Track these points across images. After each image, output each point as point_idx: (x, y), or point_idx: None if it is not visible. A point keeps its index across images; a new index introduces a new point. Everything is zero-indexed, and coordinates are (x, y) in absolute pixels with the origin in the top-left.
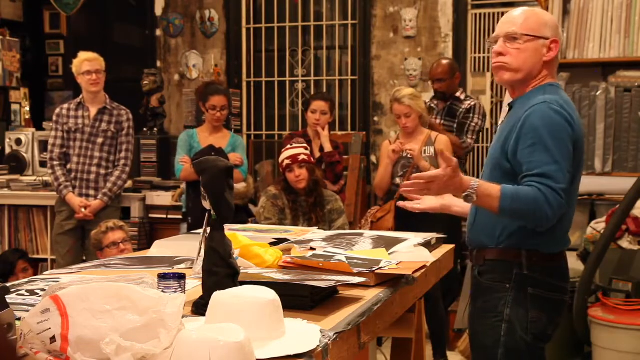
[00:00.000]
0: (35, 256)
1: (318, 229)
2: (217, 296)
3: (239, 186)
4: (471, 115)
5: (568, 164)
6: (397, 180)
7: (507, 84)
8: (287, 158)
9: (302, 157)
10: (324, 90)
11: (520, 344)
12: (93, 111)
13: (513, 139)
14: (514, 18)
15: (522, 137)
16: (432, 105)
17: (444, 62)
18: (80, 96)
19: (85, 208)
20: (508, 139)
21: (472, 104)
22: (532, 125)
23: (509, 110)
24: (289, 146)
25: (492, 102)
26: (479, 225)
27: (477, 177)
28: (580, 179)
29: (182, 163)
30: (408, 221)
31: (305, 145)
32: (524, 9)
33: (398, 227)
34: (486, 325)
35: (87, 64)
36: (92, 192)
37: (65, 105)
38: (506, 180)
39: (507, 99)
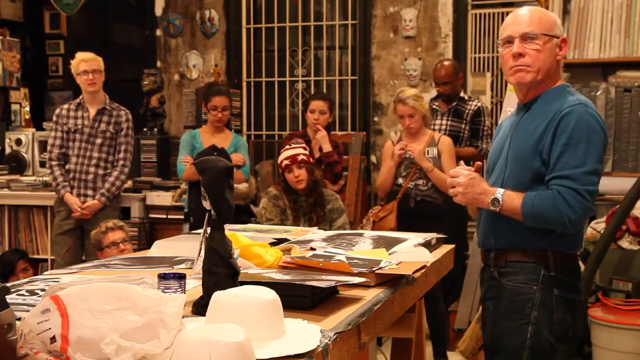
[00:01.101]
0: (35, 256)
1: (319, 228)
2: (217, 296)
3: (241, 186)
4: (482, 118)
5: (598, 167)
6: (400, 180)
7: (527, 86)
8: (285, 159)
9: (300, 157)
10: (324, 90)
11: (546, 345)
12: (92, 111)
13: (548, 139)
14: (527, 18)
15: (557, 136)
16: (434, 106)
17: (447, 63)
18: (80, 96)
19: (83, 208)
20: (541, 140)
21: (479, 105)
22: (568, 126)
23: (525, 111)
24: (287, 147)
25: (492, 102)
26: (501, 227)
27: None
28: None
29: (185, 163)
30: (410, 221)
31: (304, 145)
32: (531, 9)
33: (400, 227)
34: (511, 327)
35: (83, 64)
36: (90, 192)
37: (65, 106)
38: (536, 182)
39: (508, 99)
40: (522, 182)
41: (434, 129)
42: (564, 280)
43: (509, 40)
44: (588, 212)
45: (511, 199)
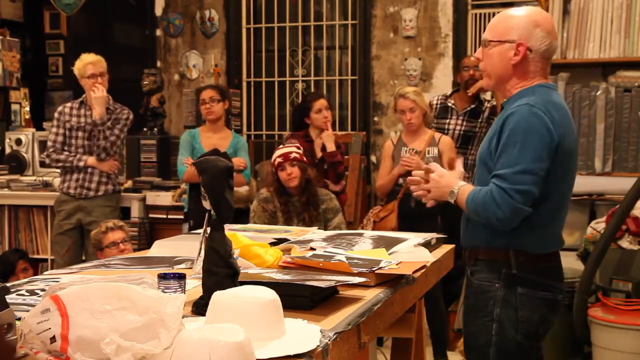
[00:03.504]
0: (35, 256)
1: (318, 229)
2: (217, 296)
3: (242, 190)
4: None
5: (532, 166)
6: (400, 180)
7: (490, 90)
8: (278, 157)
9: (293, 155)
10: (324, 90)
11: (512, 343)
12: (94, 110)
13: (495, 140)
14: (490, 24)
15: (501, 137)
16: (450, 104)
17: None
18: (83, 95)
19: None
20: (492, 140)
21: (494, 103)
22: (508, 127)
23: (500, 111)
24: (281, 146)
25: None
26: (472, 226)
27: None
28: (572, 182)
29: (186, 165)
30: (411, 221)
31: (297, 145)
32: (502, 13)
33: (401, 227)
34: (478, 325)
35: (91, 67)
36: (93, 186)
37: (68, 104)
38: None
39: None
40: (484, 181)
41: (447, 129)
42: (529, 278)
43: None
44: (518, 212)
45: (462, 192)
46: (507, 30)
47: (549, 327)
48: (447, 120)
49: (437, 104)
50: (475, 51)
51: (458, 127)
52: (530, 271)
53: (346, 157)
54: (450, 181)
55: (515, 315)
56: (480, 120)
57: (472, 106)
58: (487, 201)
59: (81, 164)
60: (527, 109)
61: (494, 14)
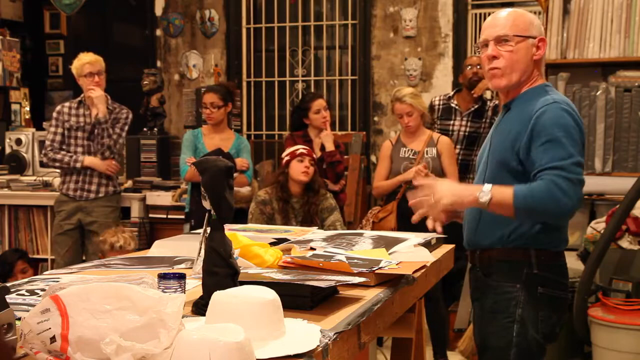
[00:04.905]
0: (35, 256)
1: (317, 229)
2: (217, 296)
3: (244, 190)
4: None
5: (581, 159)
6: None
7: (505, 90)
8: (303, 148)
9: (313, 156)
10: (324, 90)
11: (532, 343)
12: (94, 110)
13: (524, 139)
14: (502, 20)
15: (535, 136)
16: (453, 105)
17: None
18: (82, 95)
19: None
20: (517, 140)
21: (496, 102)
22: (545, 125)
23: (505, 111)
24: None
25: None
26: (484, 226)
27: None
28: None
29: (189, 164)
30: (410, 222)
31: None
32: (508, 11)
33: (400, 228)
34: (497, 326)
35: (88, 66)
36: (93, 188)
37: (67, 104)
38: (516, 181)
39: None
40: (501, 182)
41: (452, 130)
42: (549, 277)
43: (485, 44)
44: (581, 201)
45: (500, 192)
46: (527, 26)
47: (562, 327)
48: (452, 122)
49: (439, 105)
50: (474, 51)
51: (463, 128)
52: (549, 270)
53: (346, 157)
54: (467, 185)
55: (536, 315)
56: (484, 120)
57: (476, 106)
58: (554, 191)
59: (77, 165)
60: (557, 106)
61: None
